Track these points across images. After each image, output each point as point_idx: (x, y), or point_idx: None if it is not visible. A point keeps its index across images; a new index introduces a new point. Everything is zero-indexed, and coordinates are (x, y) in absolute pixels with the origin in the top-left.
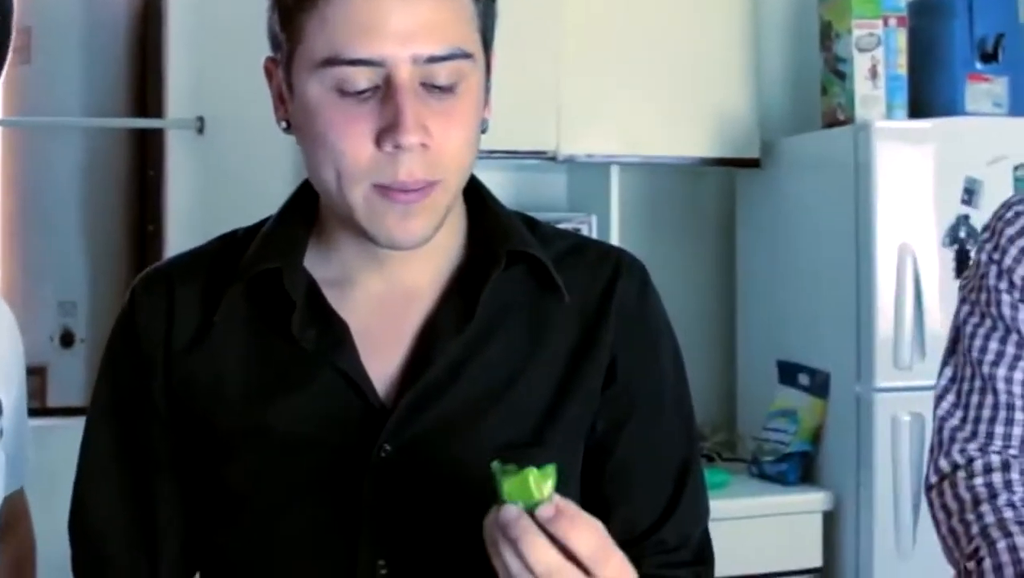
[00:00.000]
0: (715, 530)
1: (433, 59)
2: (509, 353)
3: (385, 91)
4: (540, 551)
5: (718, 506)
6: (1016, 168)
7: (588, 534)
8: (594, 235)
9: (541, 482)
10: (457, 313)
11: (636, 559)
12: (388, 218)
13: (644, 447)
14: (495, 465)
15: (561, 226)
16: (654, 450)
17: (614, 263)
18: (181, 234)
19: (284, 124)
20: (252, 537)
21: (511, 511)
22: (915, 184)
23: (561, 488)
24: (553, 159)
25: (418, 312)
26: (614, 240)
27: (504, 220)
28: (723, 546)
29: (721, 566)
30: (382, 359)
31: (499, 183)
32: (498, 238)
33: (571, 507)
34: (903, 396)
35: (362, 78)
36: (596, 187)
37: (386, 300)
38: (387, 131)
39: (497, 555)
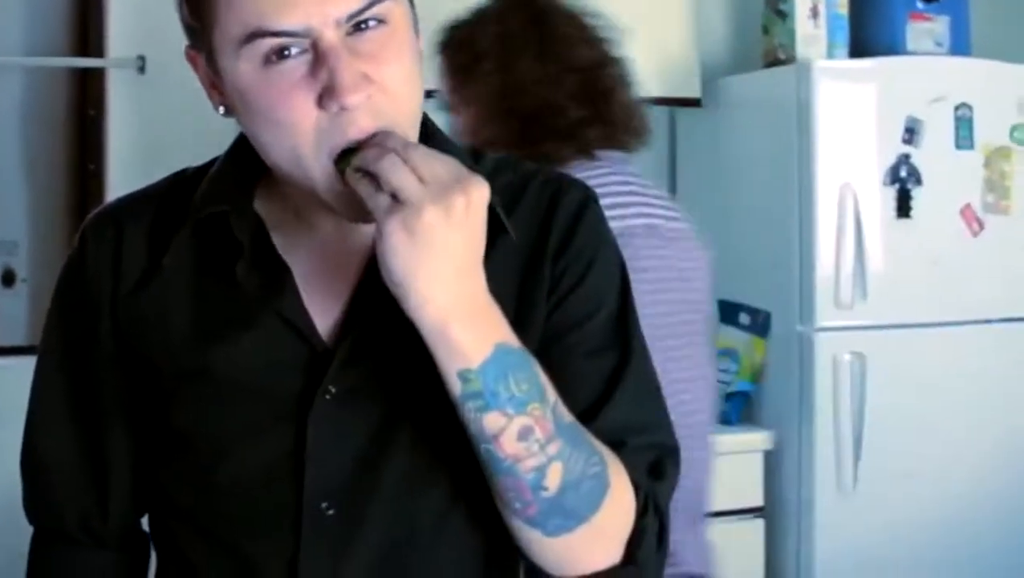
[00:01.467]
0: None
1: (353, 15)
2: None
3: (315, 54)
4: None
5: None
6: (957, 108)
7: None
8: None
9: None
10: None
11: None
12: (354, 194)
13: (573, 353)
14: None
15: None
16: (583, 355)
17: (556, 185)
18: (122, 173)
19: (223, 110)
20: (197, 478)
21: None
22: (856, 124)
23: None
24: None
25: (363, 254)
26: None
27: (452, 157)
28: None
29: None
30: (327, 302)
31: (438, 124)
32: None
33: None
34: (844, 335)
35: (286, 46)
36: None
37: (334, 241)
38: (328, 94)
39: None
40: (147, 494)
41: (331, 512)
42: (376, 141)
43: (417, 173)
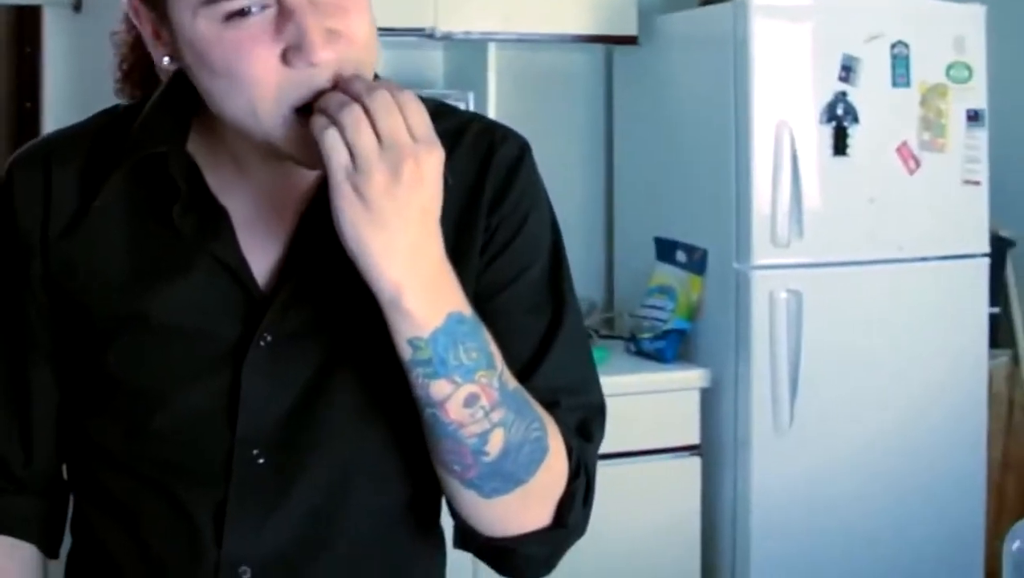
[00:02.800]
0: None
1: None
2: None
3: (279, 10)
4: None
5: None
6: (893, 46)
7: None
8: None
9: None
10: None
11: None
12: (308, 142)
13: (507, 309)
14: None
15: None
16: (518, 312)
17: (491, 136)
18: (59, 111)
19: (166, 60)
20: (130, 425)
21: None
22: (793, 62)
23: None
24: (431, 36)
25: (300, 199)
26: (491, 117)
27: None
28: None
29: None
30: (264, 247)
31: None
32: None
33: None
34: (780, 273)
35: (249, 6)
36: (474, 64)
37: (271, 185)
38: (296, 52)
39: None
40: (71, 441)
41: (261, 460)
42: (342, 85)
43: (376, 128)
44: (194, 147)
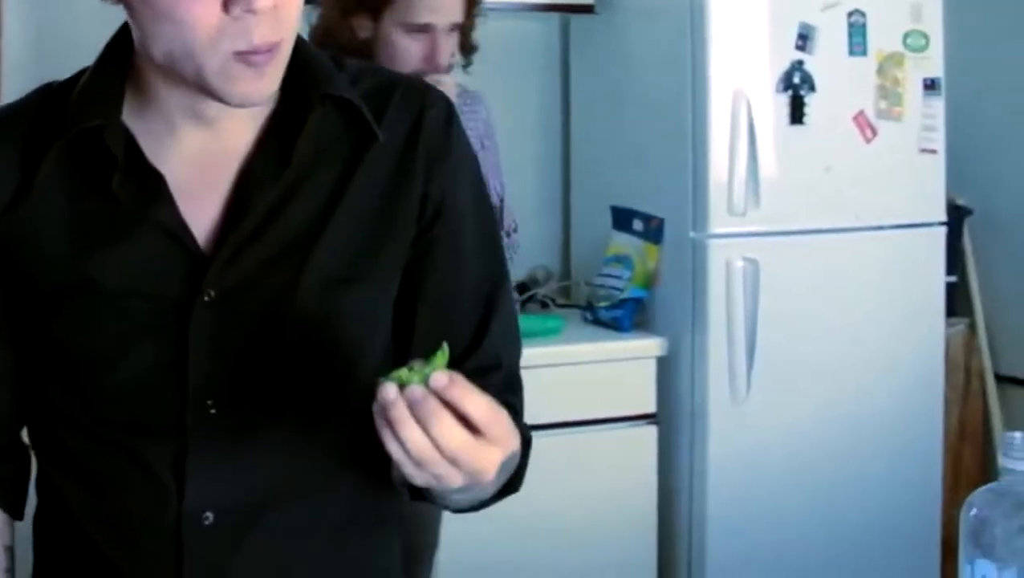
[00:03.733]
0: (550, 376)
1: None
2: (324, 195)
3: None
4: (448, 430)
5: (553, 352)
6: (850, 14)
7: (478, 397)
8: None
9: (420, 375)
10: (273, 159)
11: None
12: (242, 81)
13: (452, 276)
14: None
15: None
16: (462, 278)
17: (421, 97)
18: (16, 84)
19: None
20: (84, 387)
21: (416, 391)
22: (749, 30)
23: (379, 326)
24: None
25: (235, 160)
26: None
27: (315, 63)
28: (558, 392)
29: (556, 412)
30: (202, 209)
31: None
32: (311, 83)
33: (459, 376)
34: (737, 242)
35: None
36: None
37: (205, 151)
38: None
39: (394, 437)
40: (31, 405)
41: (214, 411)
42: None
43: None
44: (129, 116)
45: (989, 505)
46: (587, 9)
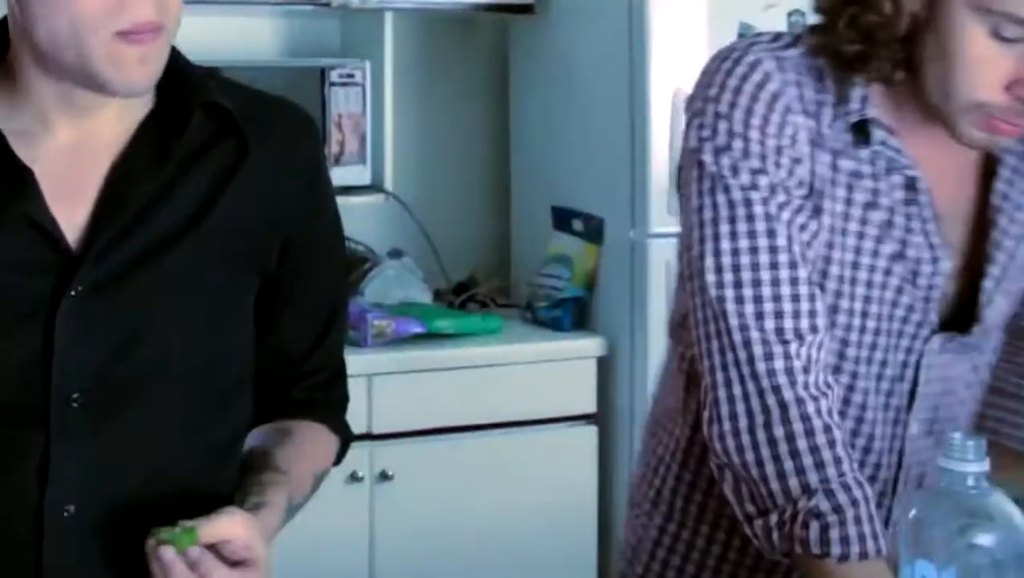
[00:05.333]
0: (489, 376)
1: None
2: (194, 200)
3: None
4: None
5: (492, 352)
6: (790, 14)
7: (223, 572)
8: (367, 83)
9: (190, 538)
10: (148, 160)
11: (287, 384)
12: (127, 65)
13: (312, 292)
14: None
15: (334, 73)
16: (313, 294)
17: (292, 122)
18: None
19: None
20: None
21: (168, 554)
22: (689, 29)
23: (236, 331)
24: (326, 5)
25: (108, 160)
26: (388, 87)
27: (190, 71)
28: (497, 392)
29: (495, 412)
30: (73, 205)
31: (272, 30)
32: (188, 89)
33: (214, 535)
34: (677, 242)
35: None
36: (370, 34)
37: (77, 149)
38: None
39: None
40: None
41: (77, 405)
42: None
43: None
44: (1, 112)
45: (928, 506)
46: (527, 9)
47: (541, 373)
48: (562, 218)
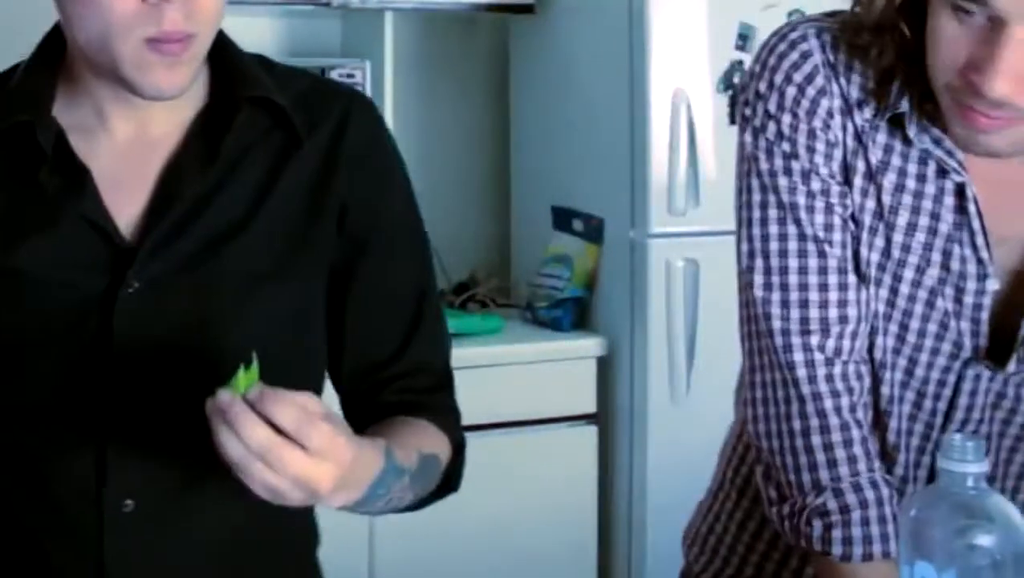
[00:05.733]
0: (490, 376)
1: None
2: (249, 192)
3: None
4: (251, 428)
5: (493, 352)
6: (790, 14)
7: (289, 408)
8: (368, 83)
9: (248, 377)
10: (200, 156)
11: (378, 388)
12: (155, 71)
13: (381, 283)
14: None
15: (334, 73)
16: (391, 287)
17: (345, 107)
18: None
19: None
20: (7, 373)
21: (224, 396)
22: (689, 30)
23: (302, 325)
24: (327, 5)
25: (162, 156)
26: (388, 87)
27: (243, 65)
28: (498, 392)
29: (496, 412)
30: (128, 202)
31: (272, 30)
32: (239, 84)
33: (275, 390)
34: (677, 242)
35: None
36: (370, 34)
37: (132, 145)
38: None
39: (218, 438)
40: None
41: (135, 399)
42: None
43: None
44: (61, 110)
45: (928, 506)
46: (527, 9)
47: (541, 373)
48: (562, 218)
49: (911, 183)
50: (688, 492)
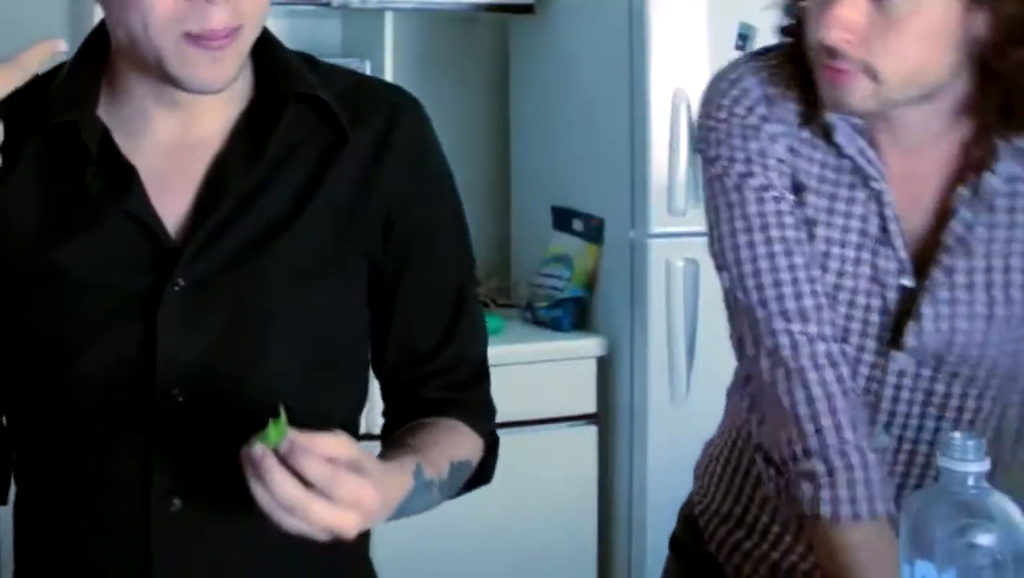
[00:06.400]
0: (490, 376)
1: None
2: (295, 189)
3: None
4: (280, 484)
5: (493, 352)
6: None
7: (316, 463)
8: None
9: (277, 429)
10: (245, 154)
11: (418, 382)
12: (199, 65)
13: (425, 281)
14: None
15: None
16: (434, 283)
17: (392, 105)
18: None
19: None
20: (53, 373)
21: (257, 450)
22: (689, 29)
23: (345, 322)
24: (327, 5)
25: (208, 154)
26: None
27: (288, 63)
28: (498, 392)
29: (496, 412)
30: (174, 201)
31: (272, 29)
32: (284, 81)
33: (304, 440)
34: (677, 242)
35: None
36: (370, 34)
37: (178, 144)
38: None
39: (250, 487)
40: (6, 392)
41: (181, 399)
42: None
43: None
44: (105, 109)
45: (928, 505)
46: (527, 9)
47: (541, 373)
48: (562, 218)
49: (843, 192)
50: (687, 491)
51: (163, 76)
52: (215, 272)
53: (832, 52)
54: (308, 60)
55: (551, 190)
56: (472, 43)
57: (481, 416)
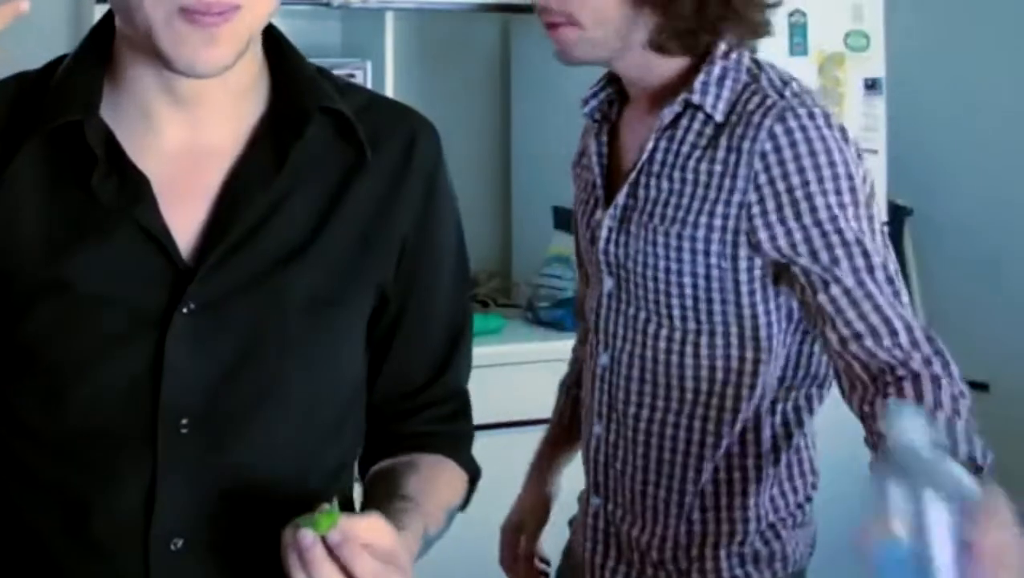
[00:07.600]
0: (491, 376)
1: None
2: (312, 209)
3: None
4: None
5: (493, 352)
6: (791, 14)
7: (367, 561)
8: (369, 82)
9: (330, 518)
10: (263, 168)
11: (407, 414)
12: (190, 43)
13: (428, 313)
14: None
15: (335, 73)
16: (434, 314)
17: (412, 125)
18: None
19: None
20: (49, 395)
21: (307, 537)
22: None
23: (352, 353)
24: (327, 5)
25: (222, 165)
26: (389, 87)
27: (307, 74)
28: (499, 392)
29: (497, 412)
30: (185, 212)
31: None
32: (304, 93)
33: (355, 533)
34: None
35: None
36: (371, 34)
37: (189, 151)
38: None
39: (290, 570)
40: None
41: (186, 431)
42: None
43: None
44: (107, 110)
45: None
46: (527, 9)
47: (542, 373)
48: (563, 218)
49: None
50: None
51: (156, 54)
52: (226, 296)
53: (545, 10)
54: (323, 72)
55: (552, 190)
56: (472, 43)
57: (466, 448)
